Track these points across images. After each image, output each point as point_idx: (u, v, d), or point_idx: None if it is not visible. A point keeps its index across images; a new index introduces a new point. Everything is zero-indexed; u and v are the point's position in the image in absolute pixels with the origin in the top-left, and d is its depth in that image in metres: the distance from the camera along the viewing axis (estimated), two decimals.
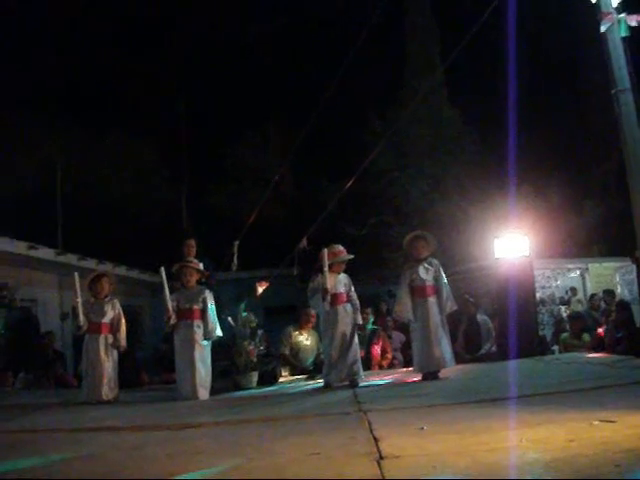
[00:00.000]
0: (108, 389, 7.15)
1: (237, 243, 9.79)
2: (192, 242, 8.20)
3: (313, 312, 9.17)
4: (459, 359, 8.52)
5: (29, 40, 18.01)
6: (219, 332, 7.38)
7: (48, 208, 16.03)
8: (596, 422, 3.89)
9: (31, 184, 16.69)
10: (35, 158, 17.30)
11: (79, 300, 7.36)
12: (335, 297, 7.32)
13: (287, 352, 8.97)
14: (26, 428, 5.60)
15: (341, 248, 7.56)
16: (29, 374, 9.35)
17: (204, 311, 7.29)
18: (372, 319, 10.15)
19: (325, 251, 7.31)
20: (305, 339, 9.14)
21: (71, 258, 12.95)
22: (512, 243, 10.12)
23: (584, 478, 2.81)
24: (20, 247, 11.49)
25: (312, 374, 8.43)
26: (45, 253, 12.30)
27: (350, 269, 7.66)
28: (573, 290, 14.35)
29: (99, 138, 19.10)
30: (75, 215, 16.42)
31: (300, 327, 9.17)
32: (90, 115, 19.00)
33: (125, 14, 20.20)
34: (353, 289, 7.46)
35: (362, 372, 7.33)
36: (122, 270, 15.09)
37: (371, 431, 4.24)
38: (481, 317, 10.53)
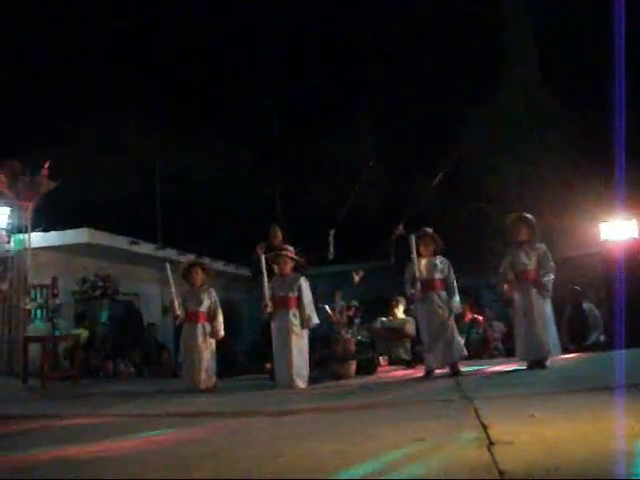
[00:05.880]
0: (206, 377, 7.23)
1: (333, 232, 9.73)
2: (275, 228, 8.27)
3: (397, 299, 9.37)
4: (564, 349, 8.13)
5: (125, 40, 18.66)
6: (316, 320, 7.29)
7: (148, 206, 16.52)
8: None
9: (132, 184, 17.30)
10: (135, 159, 17.94)
11: (173, 290, 7.47)
12: (428, 283, 7.10)
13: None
14: (129, 413, 5.74)
15: (428, 230, 7.34)
16: (131, 364, 9.64)
17: (300, 299, 7.24)
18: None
19: (413, 237, 7.14)
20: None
21: (170, 253, 13.25)
22: (619, 227, 9.62)
23: None
24: (122, 242, 11.88)
25: (411, 363, 8.28)
26: (146, 248, 12.66)
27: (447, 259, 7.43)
28: None
29: (194, 138, 19.62)
30: (174, 213, 16.85)
31: (388, 314, 9.40)
32: (185, 116, 19.53)
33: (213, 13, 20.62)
34: (453, 275, 7.22)
35: (462, 355, 7.07)
36: (219, 265, 15.31)
37: (478, 418, 4.04)
38: (587, 305, 10.05)
